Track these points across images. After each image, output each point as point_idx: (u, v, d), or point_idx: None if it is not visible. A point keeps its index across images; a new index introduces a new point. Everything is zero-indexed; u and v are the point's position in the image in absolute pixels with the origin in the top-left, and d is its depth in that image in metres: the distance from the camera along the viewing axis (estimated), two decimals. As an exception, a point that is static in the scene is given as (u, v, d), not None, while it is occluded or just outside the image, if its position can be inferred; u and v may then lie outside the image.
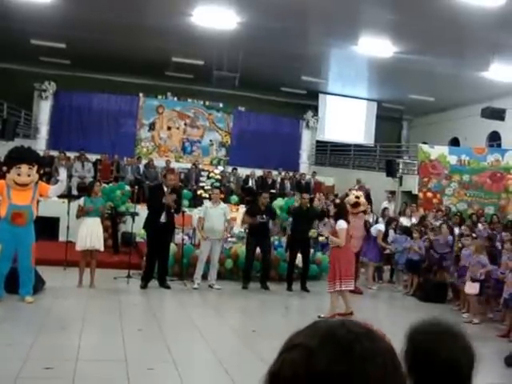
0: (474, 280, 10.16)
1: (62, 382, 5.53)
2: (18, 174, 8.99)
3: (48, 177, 18.84)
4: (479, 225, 15.59)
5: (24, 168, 9.01)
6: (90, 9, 17.68)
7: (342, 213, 10.03)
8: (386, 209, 16.99)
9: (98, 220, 10.88)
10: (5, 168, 9.24)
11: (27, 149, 9.92)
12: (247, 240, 12.49)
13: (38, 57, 23.62)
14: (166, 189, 11.35)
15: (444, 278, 12.53)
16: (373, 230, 13.84)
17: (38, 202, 10.02)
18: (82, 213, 10.81)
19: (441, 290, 12.32)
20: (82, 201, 10.97)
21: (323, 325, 1.23)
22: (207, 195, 12.76)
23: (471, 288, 10.23)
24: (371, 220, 14.78)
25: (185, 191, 17.26)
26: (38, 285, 9.72)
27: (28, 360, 5.97)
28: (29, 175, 9.07)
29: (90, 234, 10.64)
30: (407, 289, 13.42)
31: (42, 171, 9.55)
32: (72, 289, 10.56)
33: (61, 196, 17.18)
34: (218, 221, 11.78)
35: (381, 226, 14.09)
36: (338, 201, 10.51)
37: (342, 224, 9.78)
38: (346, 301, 9.80)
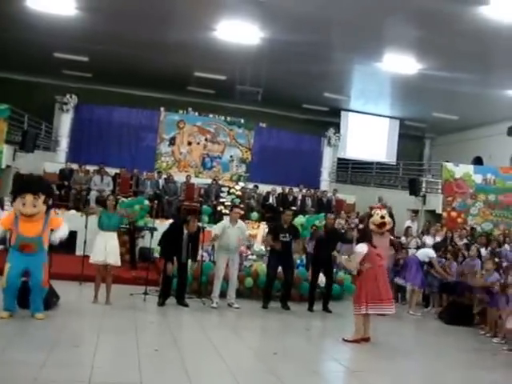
0: None
1: (72, 407, 5.25)
2: (23, 204, 8.69)
3: (67, 190, 18.77)
4: (506, 245, 15.25)
5: (29, 198, 8.66)
6: (113, 23, 17.65)
7: (365, 238, 9.66)
8: (409, 228, 16.64)
9: (114, 235, 10.64)
10: (11, 196, 8.96)
11: (35, 178, 9.57)
12: (269, 259, 12.20)
13: (61, 70, 23.64)
14: (185, 232, 11.18)
15: (472, 301, 12.05)
16: (420, 255, 13.34)
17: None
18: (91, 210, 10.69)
19: (467, 313, 11.91)
20: (99, 212, 10.81)
21: None
22: (227, 211, 12.45)
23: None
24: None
25: (204, 207, 17.08)
26: (52, 300, 9.47)
27: (37, 380, 5.69)
28: (34, 206, 8.70)
29: (105, 248, 10.40)
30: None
31: (50, 202, 9.11)
32: (87, 305, 10.32)
33: (78, 210, 17.13)
34: (234, 239, 11.59)
35: (431, 253, 13.39)
36: (361, 226, 10.11)
37: (359, 248, 9.43)
38: (367, 325, 9.43)
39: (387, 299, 9.31)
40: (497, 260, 12.20)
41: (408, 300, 13.64)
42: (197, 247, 11.48)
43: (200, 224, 12.08)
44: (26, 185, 9.08)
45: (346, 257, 9.88)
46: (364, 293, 9.24)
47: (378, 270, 9.34)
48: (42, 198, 8.82)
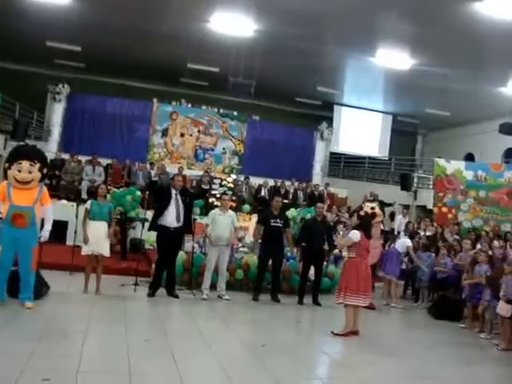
0: (508, 301, 9.55)
1: (60, 395, 5.24)
2: (19, 171, 8.67)
3: (58, 179, 18.73)
4: (495, 242, 15.30)
5: (25, 164, 8.68)
6: (107, 13, 17.61)
7: (362, 226, 9.63)
8: (409, 223, 16.78)
9: (104, 224, 10.56)
10: (6, 165, 8.91)
11: (30, 146, 9.64)
12: (260, 250, 12.17)
13: (53, 59, 23.59)
14: (173, 191, 11.09)
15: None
16: (399, 246, 13.41)
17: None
18: (85, 217, 10.57)
19: (456, 308, 11.94)
20: (88, 204, 10.71)
21: None
22: (219, 203, 12.43)
23: (503, 310, 9.67)
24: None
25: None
26: (42, 289, 9.46)
27: (26, 370, 5.67)
28: (30, 172, 8.72)
29: (95, 238, 10.37)
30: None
31: (45, 171, 9.12)
32: (77, 295, 10.31)
33: (69, 199, 17.11)
34: (226, 228, 11.49)
35: (408, 242, 13.54)
36: (362, 213, 10.06)
37: (353, 235, 9.41)
38: (357, 318, 9.44)
39: (363, 292, 9.33)
40: (490, 253, 12.24)
41: (385, 292, 13.63)
42: (191, 198, 11.62)
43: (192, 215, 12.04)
44: (22, 151, 9.08)
45: (341, 234, 9.86)
46: (344, 283, 9.29)
47: (361, 262, 9.35)
48: (38, 165, 8.83)
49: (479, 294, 10.77)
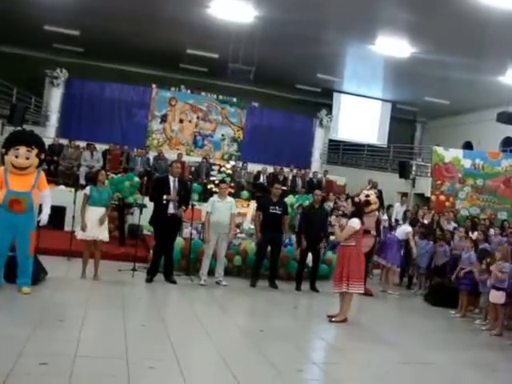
0: (498, 289, 9.62)
1: (57, 379, 5.20)
2: (16, 156, 8.63)
3: (56, 165, 18.71)
4: (491, 230, 15.36)
5: (22, 150, 8.63)
6: (106, -4, 17.52)
7: (359, 212, 9.64)
8: (407, 211, 16.79)
9: (102, 210, 10.53)
10: (3, 150, 8.86)
11: (28, 132, 9.58)
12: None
13: (51, 43, 23.50)
14: (171, 179, 11.07)
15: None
16: (399, 233, 13.43)
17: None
18: (85, 202, 10.52)
19: (453, 295, 11.97)
20: (87, 189, 10.68)
21: None
22: (217, 190, 12.41)
23: (496, 297, 9.67)
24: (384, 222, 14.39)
25: (195, 185, 17.02)
26: (40, 275, 9.44)
27: (23, 354, 5.69)
28: (27, 158, 8.68)
29: (93, 223, 10.35)
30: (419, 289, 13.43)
31: (42, 156, 9.10)
32: (75, 280, 10.32)
33: (67, 185, 17.08)
34: (225, 214, 11.45)
35: (408, 228, 13.56)
36: (357, 199, 10.08)
37: (354, 223, 9.38)
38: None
39: (362, 279, 9.38)
40: (474, 238, 12.31)
41: (383, 279, 13.65)
42: (186, 194, 11.48)
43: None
44: (19, 137, 9.06)
45: (338, 225, 9.81)
46: (345, 271, 9.23)
47: (360, 250, 9.38)
48: (36, 150, 8.80)
49: (468, 281, 10.88)
